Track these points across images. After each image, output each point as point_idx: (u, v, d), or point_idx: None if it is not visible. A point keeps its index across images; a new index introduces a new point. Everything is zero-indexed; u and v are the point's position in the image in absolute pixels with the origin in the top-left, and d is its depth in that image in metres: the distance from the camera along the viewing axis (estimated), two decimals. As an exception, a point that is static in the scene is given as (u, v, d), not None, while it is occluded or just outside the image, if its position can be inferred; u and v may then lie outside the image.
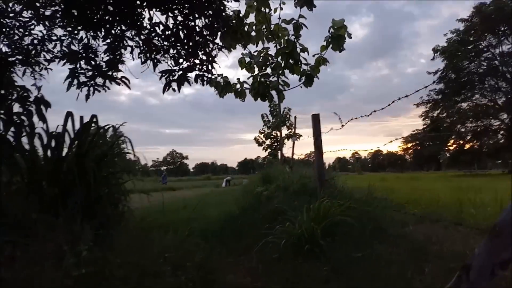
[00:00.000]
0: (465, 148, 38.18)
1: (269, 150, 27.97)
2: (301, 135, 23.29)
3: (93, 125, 3.15)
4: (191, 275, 2.85)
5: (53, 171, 3.01)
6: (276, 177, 7.88)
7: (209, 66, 4.63)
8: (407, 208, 4.25)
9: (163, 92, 4.38)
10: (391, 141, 4.79)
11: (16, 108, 2.96)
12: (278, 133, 27.68)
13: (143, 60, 4.40)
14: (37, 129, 3.00)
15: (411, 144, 62.00)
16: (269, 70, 10.96)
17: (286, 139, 23.42)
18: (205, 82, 4.47)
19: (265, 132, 28.33)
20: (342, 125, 4.16)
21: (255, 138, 28.47)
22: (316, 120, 4.81)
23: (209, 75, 4.62)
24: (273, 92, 11.38)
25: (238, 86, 11.89)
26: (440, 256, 2.72)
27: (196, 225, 5.21)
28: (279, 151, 26.55)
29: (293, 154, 8.45)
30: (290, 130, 24.16)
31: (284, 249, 3.43)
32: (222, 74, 11.68)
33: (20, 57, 3.73)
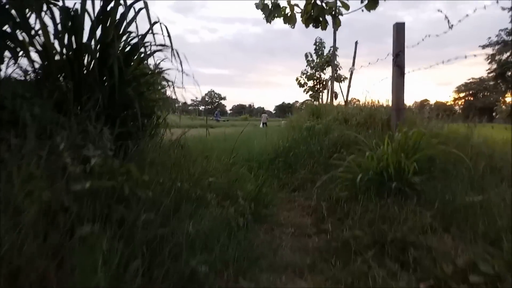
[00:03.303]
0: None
1: (310, 92, 26.59)
2: (346, 78, 21.67)
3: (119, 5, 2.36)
4: (241, 207, 2.15)
5: (69, 60, 2.30)
6: (329, 111, 6.96)
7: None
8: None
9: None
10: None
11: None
12: (322, 74, 26.04)
13: None
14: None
15: (464, 93, 57.36)
16: (326, -10, 9.49)
17: (330, 81, 22.00)
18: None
19: (308, 73, 26.73)
20: (451, 25, 3.10)
21: (297, 79, 27.04)
22: (399, 31, 3.75)
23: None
24: (328, 18, 10.03)
25: (288, 10, 10.57)
26: None
27: (240, 155, 4.54)
28: (321, 93, 25.17)
29: (349, 86, 7.39)
30: (336, 71, 22.44)
31: (356, 187, 2.65)
32: (271, -5, 10.34)
33: None
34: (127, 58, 2.48)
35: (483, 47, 34.60)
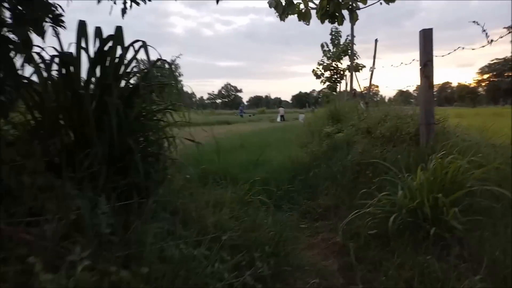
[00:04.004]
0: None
1: (327, 83, 25.91)
2: (364, 66, 20.89)
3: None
4: (260, 269, 1.93)
5: (66, 109, 2.11)
6: (349, 114, 6.64)
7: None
8: None
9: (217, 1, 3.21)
10: None
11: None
12: (339, 64, 25.29)
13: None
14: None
15: (487, 75, 55.21)
16: (342, -17, 9.04)
17: (348, 70, 21.33)
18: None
19: (324, 63, 26.00)
20: (491, 40, 2.74)
21: (313, 70, 26.37)
22: (427, 38, 3.40)
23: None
24: (345, 12, 9.55)
25: (302, 6, 10.13)
26: None
27: (257, 172, 4.29)
28: (339, 84, 24.52)
29: (370, 86, 7.00)
30: (355, 60, 21.70)
31: (386, 226, 2.37)
32: (285, -8, 9.90)
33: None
34: (129, 99, 2.27)
35: (508, 28, 32.93)
